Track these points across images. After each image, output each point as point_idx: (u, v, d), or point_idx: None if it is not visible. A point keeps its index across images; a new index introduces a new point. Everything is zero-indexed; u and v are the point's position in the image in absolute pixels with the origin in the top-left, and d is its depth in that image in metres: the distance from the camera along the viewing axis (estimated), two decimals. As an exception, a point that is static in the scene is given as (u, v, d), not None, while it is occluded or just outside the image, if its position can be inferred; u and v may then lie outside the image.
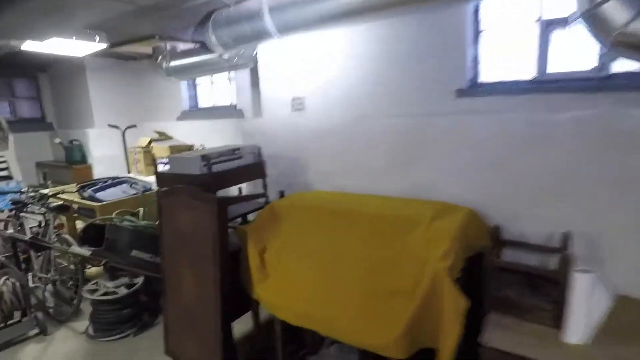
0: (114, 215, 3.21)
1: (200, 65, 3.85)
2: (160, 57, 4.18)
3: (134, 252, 2.95)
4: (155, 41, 3.99)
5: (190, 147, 4.29)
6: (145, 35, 3.88)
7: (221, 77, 4.78)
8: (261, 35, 2.52)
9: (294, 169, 2.87)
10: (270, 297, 2.10)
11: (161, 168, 4.25)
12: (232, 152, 2.45)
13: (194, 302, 2.30)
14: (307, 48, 2.86)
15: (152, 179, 4.11)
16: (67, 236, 3.17)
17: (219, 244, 2.10)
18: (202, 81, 5.00)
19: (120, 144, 5.32)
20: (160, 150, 4.16)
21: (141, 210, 3.40)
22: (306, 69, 2.88)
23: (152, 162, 4.31)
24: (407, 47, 2.39)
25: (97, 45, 3.58)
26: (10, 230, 3.74)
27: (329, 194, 2.55)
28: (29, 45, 3.29)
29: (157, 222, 3.46)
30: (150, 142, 4.26)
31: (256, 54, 3.31)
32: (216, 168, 2.28)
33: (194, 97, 5.10)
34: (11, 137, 4.77)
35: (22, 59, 4.82)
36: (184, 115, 5.02)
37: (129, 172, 5.41)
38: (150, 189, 3.71)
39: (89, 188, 3.67)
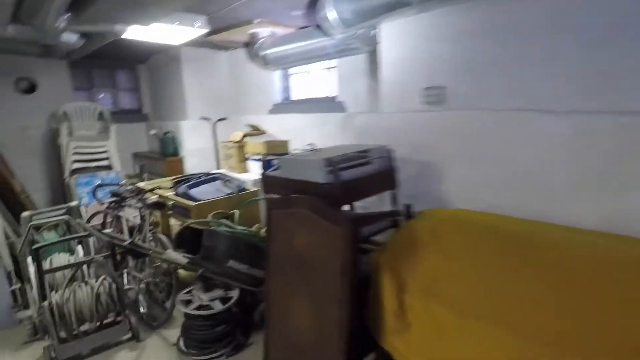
0: (209, 217, 2.91)
1: (302, 53, 3.41)
2: (257, 45, 3.83)
3: (231, 262, 2.61)
4: (254, 26, 3.65)
5: (285, 144, 3.90)
6: (244, 20, 3.55)
7: (318, 67, 4.33)
8: (397, 4, 1.96)
9: (424, 177, 2.28)
10: (414, 356, 1.55)
11: (254, 165, 3.94)
12: (360, 155, 1.93)
13: (307, 340, 1.84)
14: (448, 23, 2.23)
15: (246, 176, 3.81)
16: (162, 236, 2.95)
17: (348, 279, 1.60)
18: (296, 71, 4.61)
19: (211, 137, 5.18)
20: (254, 146, 3.84)
21: (236, 212, 3.07)
22: (447, 50, 2.24)
23: (245, 158, 4.02)
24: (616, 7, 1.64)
25: (196, 31, 3.31)
26: (108, 223, 3.70)
27: (483, 215, 1.91)
28: (133, 32, 3.12)
29: (254, 228, 3.13)
30: (243, 137, 3.97)
31: (374, 35, 2.75)
32: (343, 176, 1.78)
33: (286, 89, 4.74)
34: (112, 128, 4.85)
35: (124, 50, 4.84)
36: (276, 108, 4.68)
37: (218, 167, 5.27)
38: (244, 189, 3.38)
39: (183, 183, 3.46)
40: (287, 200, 1.90)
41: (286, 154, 3.93)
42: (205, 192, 3.42)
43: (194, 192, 3.38)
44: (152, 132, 5.18)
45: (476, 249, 1.66)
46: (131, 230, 3.30)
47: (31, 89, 4.75)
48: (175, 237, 2.72)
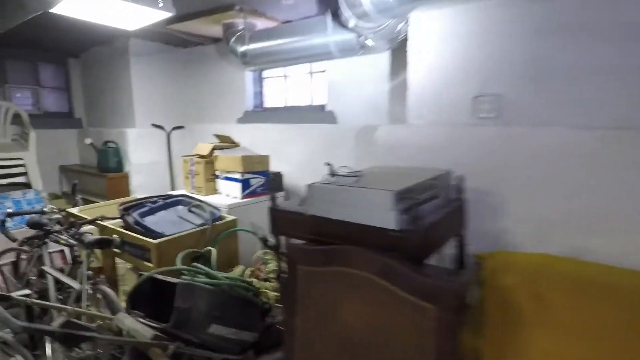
0: (178, 260, 2.13)
1: (295, 50, 2.79)
2: (233, 39, 3.14)
3: (214, 328, 1.87)
4: (232, 15, 2.96)
5: (266, 160, 3.22)
6: (222, 5, 2.85)
7: (299, 71, 3.74)
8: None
9: (477, 210, 1.77)
10: None
11: (226, 185, 3.18)
12: (430, 185, 1.35)
13: None
14: (511, 15, 1.78)
15: (216, 199, 3.05)
16: (107, 289, 2.11)
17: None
18: (271, 74, 3.96)
19: (164, 150, 4.29)
20: (227, 161, 3.10)
21: (213, 252, 2.32)
22: (506, 49, 1.79)
23: (214, 176, 3.25)
24: None
25: (159, 14, 2.54)
26: (23, 266, 2.72)
27: (584, 265, 1.43)
28: (69, 6, 2.27)
29: (236, 272, 2.40)
30: (212, 150, 3.21)
31: (399, 30, 2.24)
32: (424, 217, 1.18)
33: (259, 95, 4.06)
34: (32, 135, 3.78)
35: (51, 37, 3.84)
36: (247, 117, 3.98)
37: (173, 187, 4.37)
38: (219, 217, 2.64)
39: (133, 210, 2.61)
40: (326, 253, 1.26)
41: (266, 172, 3.25)
42: (165, 222, 2.61)
43: (149, 221, 2.56)
44: (88, 141, 4.17)
45: (599, 319, 1.16)
46: (57, 279, 2.39)
47: None
48: (129, 294, 1.91)
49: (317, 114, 3.43)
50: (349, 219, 1.26)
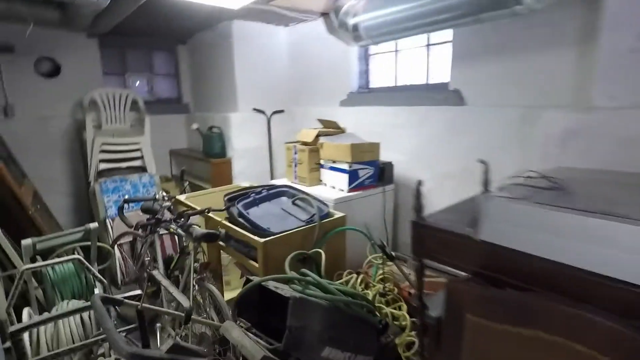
0: (287, 264, 1.88)
1: (418, 16, 2.29)
2: (342, 11, 2.75)
3: (327, 351, 1.58)
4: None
5: (376, 148, 2.82)
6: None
7: (411, 43, 3.21)
8: None
9: None
10: None
11: (332, 176, 2.88)
12: None
13: None
14: None
15: (321, 191, 2.76)
16: (214, 289, 1.97)
17: None
18: (379, 50, 3.50)
19: (264, 135, 4.18)
20: (334, 149, 2.77)
21: (322, 254, 2.03)
22: None
23: (319, 165, 2.97)
24: None
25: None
26: (138, 250, 2.79)
27: None
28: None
29: (343, 281, 2.09)
30: (317, 137, 2.92)
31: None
32: None
33: (364, 73, 3.65)
34: (147, 120, 3.95)
35: (161, 25, 3.91)
36: (351, 99, 3.60)
37: (272, 174, 4.27)
38: (327, 214, 2.33)
39: (238, 201, 2.46)
40: (520, 305, 0.82)
41: (376, 162, 2.85)
42: (270, 216, 2.40)
43: (254, 215, 2.37)
44: (194, 126, 4.25)
45: None
46: (167, 264, 2.36)
47: (55, 71, 3.92)
48: (236, 300, 1.71)
49: (437, 94, 2.89)
50: (557, 257, 0.80)
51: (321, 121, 3.22)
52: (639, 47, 1.39)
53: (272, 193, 2.62)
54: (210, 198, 2.86)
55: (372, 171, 2.84)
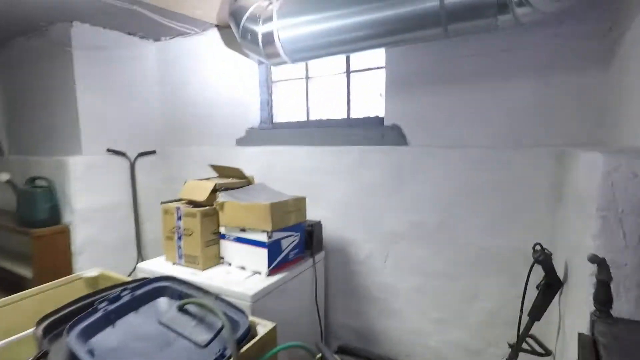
0: None
1: (370, 25, 1.66)
2: (246, 16, 1.96)
3: None
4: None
5: (301, 205, 2.00)
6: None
7: (325, 68, 2.60)
8: None
9: None
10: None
11: (244, 253, 1.88)
12: None
13: None
14: None
15: (220, 278, 1.75)
16: None
17: None
18: (285, 75, 2.79)
19: (125, 187, 2.93)
20: (244, 212, 1.85)
21: None
22: None
23: (218, 235, 1.98)
24: None
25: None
26: None
27: None
28: None
29: None
30: (214, 192, 1.95)
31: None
32: None
33: (267, 105, 2.86)
34: None
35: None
36: (253, 137, 2.75)
37: (139, 250, 2.99)
38: (248, 330, 1.36)
39: (73, 325, 1.28)
40: None
41: (302, 224, 2.03)
42: (135, 345, 1.31)
43: (102, 347, 1.25)
44: (4, 177, 2.72)
45: None
46: None
47: None
48: None
49: (371, 131, 2.27)
50: None
51: (216, 168, 2.26)
52: None
53: (140, 295, 1.51)
54: (16, 313, 1.56)
55: (297, 238, 1.99)
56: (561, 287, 1.44)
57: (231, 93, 2.79)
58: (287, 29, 1.81)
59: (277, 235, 1.84)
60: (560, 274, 1.43)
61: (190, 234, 1.91)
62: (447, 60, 1.94)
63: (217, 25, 2.63)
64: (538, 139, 1.75)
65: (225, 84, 2.80)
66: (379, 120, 2.31)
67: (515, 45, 1.77)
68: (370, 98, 2.45)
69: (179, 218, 1.95)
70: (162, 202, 2.04)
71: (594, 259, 0.97)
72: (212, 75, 2.85)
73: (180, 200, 2.08)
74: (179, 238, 1.96)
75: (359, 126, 2.38)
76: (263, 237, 1.79)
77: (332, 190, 2.33)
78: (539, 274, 1.40)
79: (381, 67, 2.31)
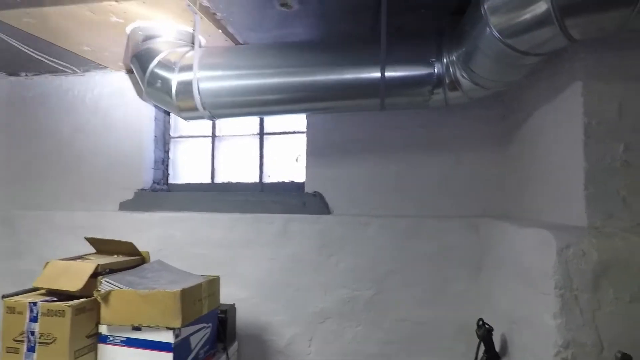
0: None
1: (319, 88, 1.57)
2: (157, 60, 1.68)
3: None
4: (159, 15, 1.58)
5: (214, 287, 1.62)
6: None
7: (236, 128, 2.40)
8: None
9: None
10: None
11: None
12: None
13: None
14: None
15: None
16: None
17: None
18: (188, 132, 2.48)
19: None
20: (140, 304, 1.38)
21: None
22: None
23: (97, 338, 1.43)
24: None
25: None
26: None
27: None
28: None
29: None
30: (95, 276, 1.43)
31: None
32: None
33: (162, 164, 2.45)
34: None
35: None
36: (142, 200, 2.27)
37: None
38: None
39: None
40: None
41: (215, 311, 1.64)
42: None
43: None
44: None
45: None
46: None
47: None
48: None
49: (291, 198, 2.10)
50: None
51: (94, 241, 1.71)
52: (630, 159, 1.12)
53: None
54: None
55: (209, 330, 1.59)
56: (499, 362, 1.42)
57: (115, 146, 2.30)
58: (210, 81, 1.58)
59: (186, 332, 1.42)
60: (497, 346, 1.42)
61: (52, 342, 1.32)
62: (370, 130, 1.97)
63: (105, 67, 2.20)
64: (457, 209, 1.85)
65: (108, 134, 2.31)
66: (297, 187, 2.16)
67: (431, 123, 1.90)
68: (288, 163, 2.31)
69: (34, 318, 1.34)
70: (5, 296, 1.40)
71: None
72: (91, 123, 2.33)
73: (35, 290, 1.47)
74: (30, 349, 1.33)
75: (275, 192, 2.19)
76: (168, 337, 1.35)
77: (247, 266, 2.01)
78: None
79: (300, 132, 2.24)
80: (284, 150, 2.37)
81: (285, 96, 1.60)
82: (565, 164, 1.26)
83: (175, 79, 1.61)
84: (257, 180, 2.33)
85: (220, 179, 2.39)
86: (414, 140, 1.91)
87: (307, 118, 2.13)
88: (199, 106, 1.61)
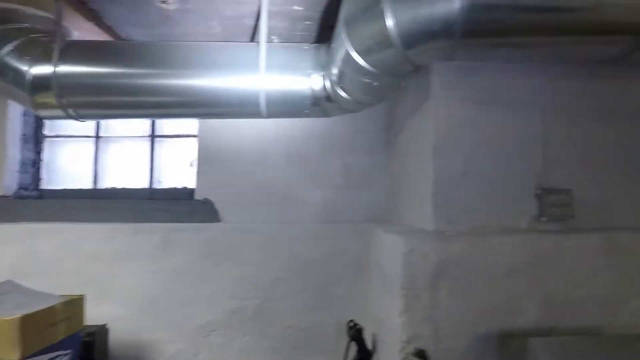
0: None
1: (195, 94, 1.51)
2: (8, 48, 1.49)
3: None
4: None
5: (77, 307, 1.45)
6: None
7: (124, 129, 2.24)
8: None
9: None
10: None
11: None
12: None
13: None
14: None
15: None
16: None
17: None
18: (65, 131, 2.23)
19: None
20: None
21: None
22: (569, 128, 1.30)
23: None
24: None
25: None
26: None
27: None
28: None
29: None
30: None
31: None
32: None
33: (31, 166, 2.17)
34: None
35: None
36: (4, 209, 1.97)
37: None
38: None
39: None
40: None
41: (78, 334, 1.47)
42: None
43: None
44: None
45: None
46: None
47: None
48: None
49: (178, 206, 1.99)
50: None
51: None
52: (468, 170, 1.27)
53: None
54: None
55: (67, 357, 1.42)
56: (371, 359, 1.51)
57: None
58: (73, 77, 1.43)
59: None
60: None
61: None
62: (262, 137, 1.96)
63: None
64: (346, 215, 1.92)
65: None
66: (188, 193, 2.06)
67: (323, 132, 1.95)
68: (182, 168, 2.20)
69: None
70: None
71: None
72: None
73: None
74: None
75: (164, 199, 2.06)
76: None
77: (126, 281, 1.85)
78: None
79: (193, 136, 2.14)
80: (178, 154, 2.26)
81: (159, 99, 1.52)
82: (423, 174, 1.38)
83: (31, 71, 1.43)
84: (146, 186, 2.18)
85: (106, 184, 2.19)
86: (303, 148, 1.95)
87: (199, 122, 2.05)
88: (58, 104, 1.45)
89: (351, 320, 1.42)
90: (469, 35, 0.98)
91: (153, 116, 1.88)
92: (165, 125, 2.25)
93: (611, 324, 1.11)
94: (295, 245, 1.87)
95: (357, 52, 1.15)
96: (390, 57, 1.09)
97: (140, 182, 2.18)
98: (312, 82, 1.48)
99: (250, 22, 1.64)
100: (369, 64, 1.16)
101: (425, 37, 0.99)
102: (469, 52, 1.09)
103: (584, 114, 1.30)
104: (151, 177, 2.20)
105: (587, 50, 1.12)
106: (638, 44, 1.00)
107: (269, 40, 1.52)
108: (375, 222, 1.82)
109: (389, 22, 0.99)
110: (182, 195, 2.08)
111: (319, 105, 1.54)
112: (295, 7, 1.54)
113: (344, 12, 1.19)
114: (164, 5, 1.58)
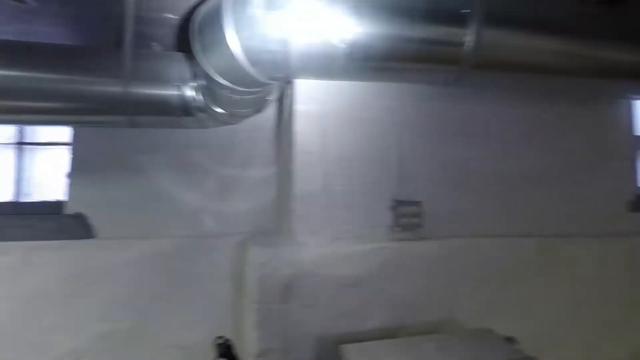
0: None
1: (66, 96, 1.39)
2: None
3: None
4: None
5: None
6: None
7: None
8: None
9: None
10: None
11: None
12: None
13: None
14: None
15: None
16: None
17: None
18: None
19: None
20: None
21: None
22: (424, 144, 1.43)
23: None
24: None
25: None
26: None
27: None
28: None
29: None
30: None
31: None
32: None
33: None
34: None
35: None
36: None
37: None
38: None
39: None
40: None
41: None
42: None
43: None
44: None
45: None
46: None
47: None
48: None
49: (44, 221, 1.80)
50: None
51: None
52: (329, 183, 1.33)
53: None
54: None
55: None
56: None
57: None
58: None
59: None
60: None
61: None
62: (133, 148, 1.84)
63: None
64: (227, 228, 1.87)
65: None
66: (58, 207, 1.87)
67: (199, 143, 1.87)
68: (57, 179, 1.99)
69: None
70: None
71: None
72: None
73: None
74: None
75: (28, 214, 1.85)
76: None
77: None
78: None
79: (66, 144, 1.96)
80: (53, 164, 2.04)
81: (10, 104, 1.37)
82: (290, 187, 1.41)
83: None
84: (10, 199, 1.94)
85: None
86: (182, 161, 1.87)
87: (73, 129, 1.88)
88: None
89: (220, 337, 1.39)
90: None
91: (13, 122, 1.69)
92: (39, 132, 2.04)
93: (446, 323, 1.23)
94: (174, 260, 1.78)
95: (212, 67, 1.15)
96: (242, 74, 1.10)
97: (3, 195, 1.93)
98: (182, 92, 1.45)
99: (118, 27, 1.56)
100: (227, 79, 1.17)
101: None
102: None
103: (433, 132, 1.45)
104: (18, 189, 1.97)
105: (425, 75, 1.25)
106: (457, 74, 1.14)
107: (148, 47, 1.46)
108: (257, 235, 1.81)
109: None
110: (51, 209, 1.88)
111: (192, 115, 1.50)
112: (168, 15, 1.50)
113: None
114: (18, 3, 1.45)
